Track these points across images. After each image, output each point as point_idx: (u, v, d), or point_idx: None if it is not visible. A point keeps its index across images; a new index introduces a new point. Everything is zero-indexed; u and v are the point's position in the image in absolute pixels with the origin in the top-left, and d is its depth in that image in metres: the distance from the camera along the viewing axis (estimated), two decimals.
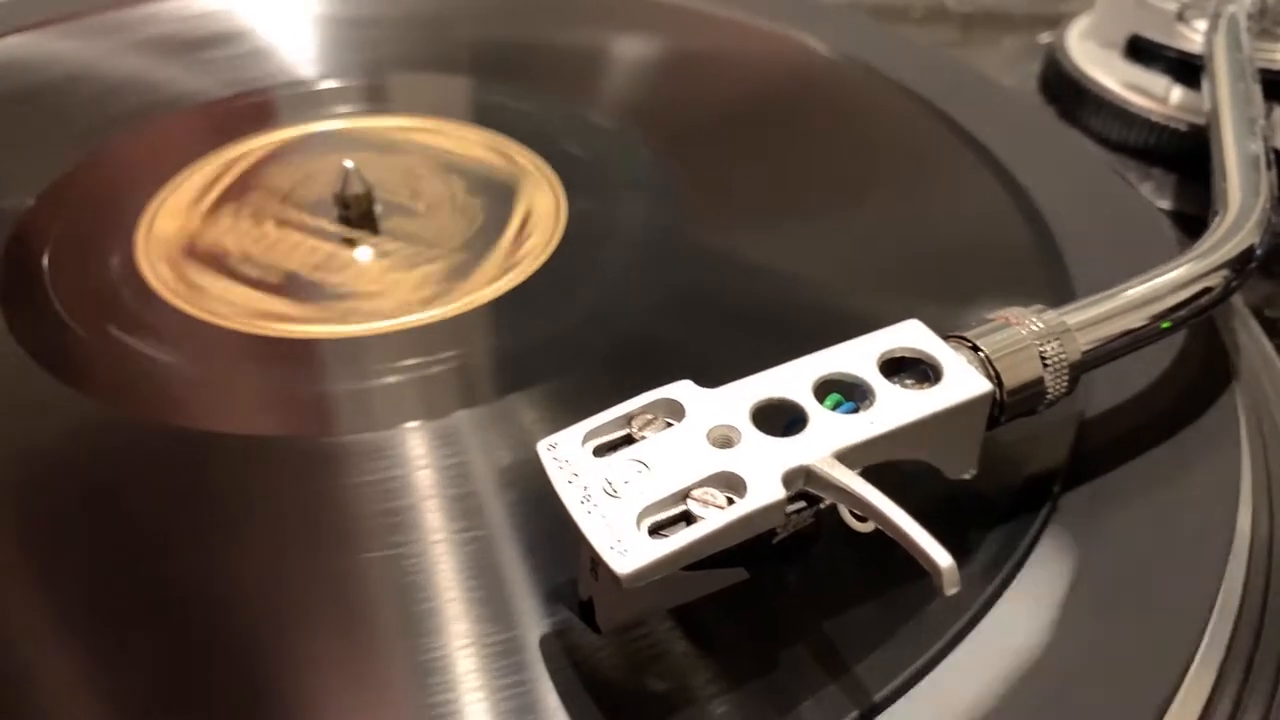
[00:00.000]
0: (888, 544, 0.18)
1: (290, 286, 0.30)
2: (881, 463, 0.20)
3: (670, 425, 0.19)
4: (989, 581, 0.21)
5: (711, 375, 0.20)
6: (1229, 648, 0.22)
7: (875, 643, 0.20)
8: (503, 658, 0.20)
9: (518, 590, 0.21)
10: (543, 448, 0.19)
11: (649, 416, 0.19)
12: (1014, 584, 0.22)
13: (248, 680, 0.20)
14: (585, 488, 0.18)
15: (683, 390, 0.20)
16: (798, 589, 0.21)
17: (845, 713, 0.19)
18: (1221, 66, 0.33)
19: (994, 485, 0.23)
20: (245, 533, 0.23)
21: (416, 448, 0.25)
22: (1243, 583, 0.23)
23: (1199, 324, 0.29)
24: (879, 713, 0.19)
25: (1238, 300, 0.31)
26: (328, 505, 0.23)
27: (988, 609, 0.21)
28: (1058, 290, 0.29)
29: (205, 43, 0.42)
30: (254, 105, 0.39)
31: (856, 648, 0.20)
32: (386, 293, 0.30)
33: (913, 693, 0.20)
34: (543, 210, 0.33)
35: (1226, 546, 0.23)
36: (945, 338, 0.21)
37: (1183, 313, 0.24)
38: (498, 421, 0.25)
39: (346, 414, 0.26)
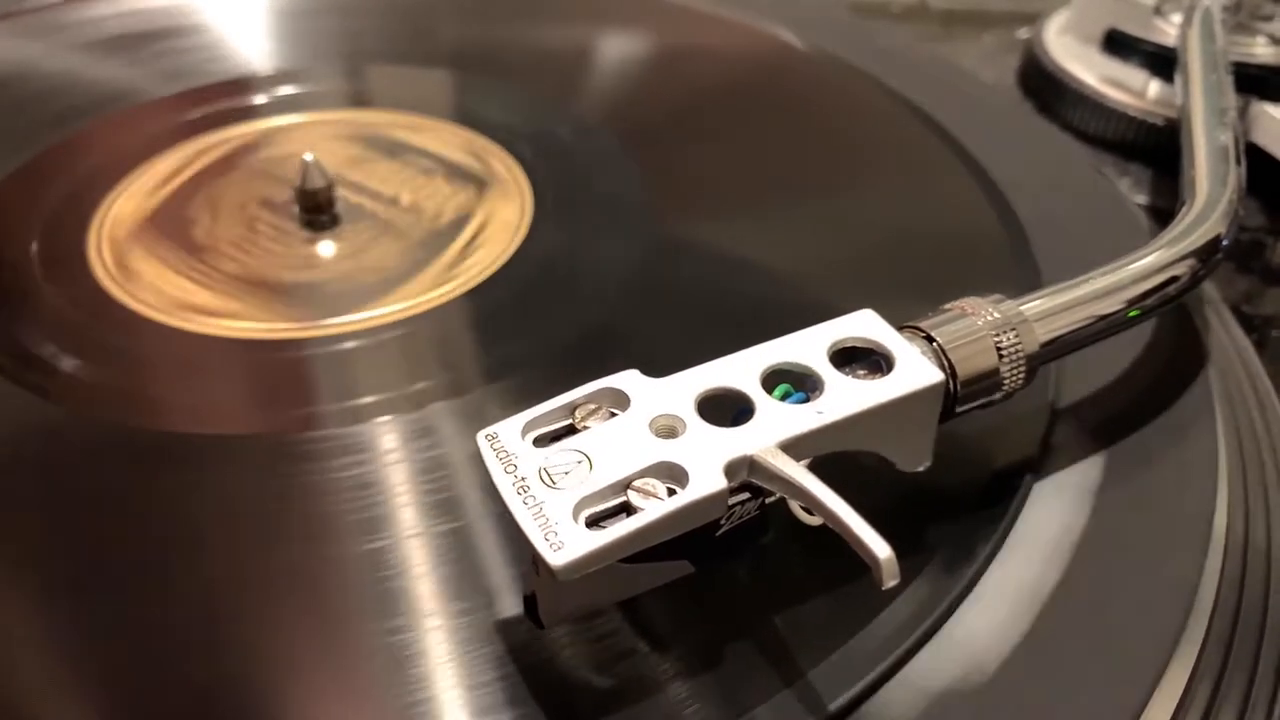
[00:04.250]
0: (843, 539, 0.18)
1: (252, 283, 0.30)
2: (832, 454, 0.19)
3: (614, 415, 0.19)
4: (959, 577, 0.21)
5: (681, 367, 0.20)
6: (1204, 641, 0.21)
7: (833, 644, 0.19)
8: (477, 650, 0.20)
9: (492, 584, 0.21)
10: (481, 438, 0.18)
11: (592, 406, 0.19)
12: (984, 578, 0.21)
13: (223, 678, 0.20)
14: (523, 478, 0.18)
15: (628, 380, 0.19)
16: (749, 584, 0.21)
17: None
18: (1195, 58, 0.33)
19: (964, 478, 0.23)
20: (218, 534, 0.23)
21: (389, 442, 0.24)
22: (1218, 577, 0.22)
23: (1175, 317, 0.28)
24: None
25: (1214, 294, 0.31)
26: (299, 504, 0.23)
27: (958, 604, 0.21)
28: (1027, 283, 0.29)
29: (159, 36, 0.42)
30: (212, 99, 0.38)
31: (813, 650, 0.19)
32: (350, 286, 0.29)
33: (879, 695, 0.19)
34: (509, 205, 0.33)
35: (1204, 540, 0.23)
36: (899, 328, 0.21)
37: (1149, 302, 0.24)
38: (470, 414, 0.25)
39: (315, 411, 0.26)
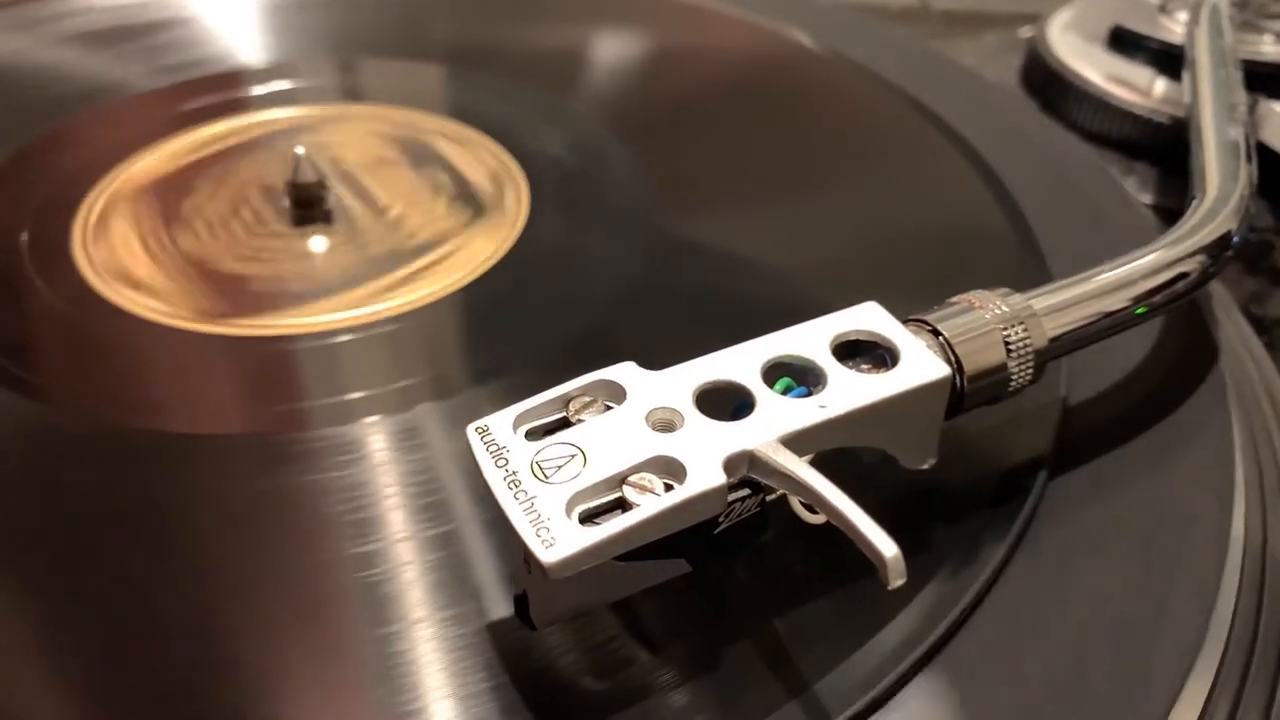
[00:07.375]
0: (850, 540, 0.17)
1: (241, 279, 0.29)
2: (833, 451, 0.19)
3: (609, 408, 0.18)
4: (970, 581, 0.20)
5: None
6: (1225, 649, 0.21)
7: (839, 652, 0.19)
8: (467, 656, 0.19)
9: (485, 588, 0.20)
10: (471, 430, 0.18)
11: (587, 399, 0.18)
12: (997, 584, 0.21)
13: (208, 684, 0.19)
14: (514, 472, 0.17)
15: (624, 372, 0.19)
16: (748, 585, 0.20)
17: None
18: (1203, 54, 0.32)
19: (974, 477, 0.22)
20: (201, 535, 0.22)
21: (377, 443, 0.24)
22: (1237, 583, 0.22)
23: (1185, 317, 0.28)
24: None
25: (1224, 293, 0.31)
26: (286, 505, 0.22)
27: (970, 612, 0.20)
28: (1034, 281, 0.28)
29: (149, 30, 0.41)
30: (203, 93, 0.37)
31: (817, 658, 0.19)
32: (341, 283, 0.29)
33: (889, 705, 0.18)
34: (505, 200, 0.32)
35: (1223, 545, 0.22)
36: (905, 321, 0.20)
37: (1157, 299, 0.23)
38: (461, 415, 0.24)
39: (304, 410, 0.25)
